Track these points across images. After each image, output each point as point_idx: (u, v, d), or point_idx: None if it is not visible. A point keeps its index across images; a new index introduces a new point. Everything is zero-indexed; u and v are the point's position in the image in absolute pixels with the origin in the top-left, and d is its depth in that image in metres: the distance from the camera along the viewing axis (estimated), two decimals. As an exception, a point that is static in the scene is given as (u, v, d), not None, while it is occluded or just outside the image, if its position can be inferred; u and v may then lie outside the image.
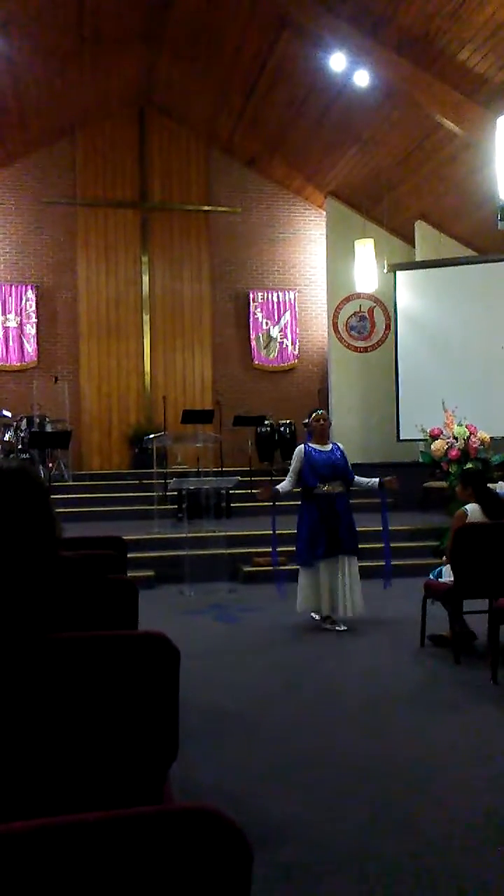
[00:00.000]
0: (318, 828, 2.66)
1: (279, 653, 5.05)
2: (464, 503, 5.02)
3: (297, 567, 5.64)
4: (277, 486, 5.65)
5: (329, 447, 5.70)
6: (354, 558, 5.55)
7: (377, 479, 5.75)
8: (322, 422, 5.77)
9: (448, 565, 4.89)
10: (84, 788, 1.80)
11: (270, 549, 6.00)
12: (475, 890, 2.28)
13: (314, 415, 5.84)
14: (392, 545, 8.04)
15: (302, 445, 5.74)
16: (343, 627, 5.48)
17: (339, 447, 5.74)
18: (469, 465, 7.81)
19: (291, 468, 5.68)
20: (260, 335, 12.70)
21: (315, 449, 5.65)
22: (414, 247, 11.63)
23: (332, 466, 5.57)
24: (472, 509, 4.88)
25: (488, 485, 5.12)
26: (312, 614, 5.63)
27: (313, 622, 5.67)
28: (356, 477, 5.72)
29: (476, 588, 4.69)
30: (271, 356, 12.77)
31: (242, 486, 8.83)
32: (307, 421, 5.88)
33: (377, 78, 8.86)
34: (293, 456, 5.73)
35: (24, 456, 9.95)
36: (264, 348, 12.74)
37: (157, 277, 12.45)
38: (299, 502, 5.71)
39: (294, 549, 5.67)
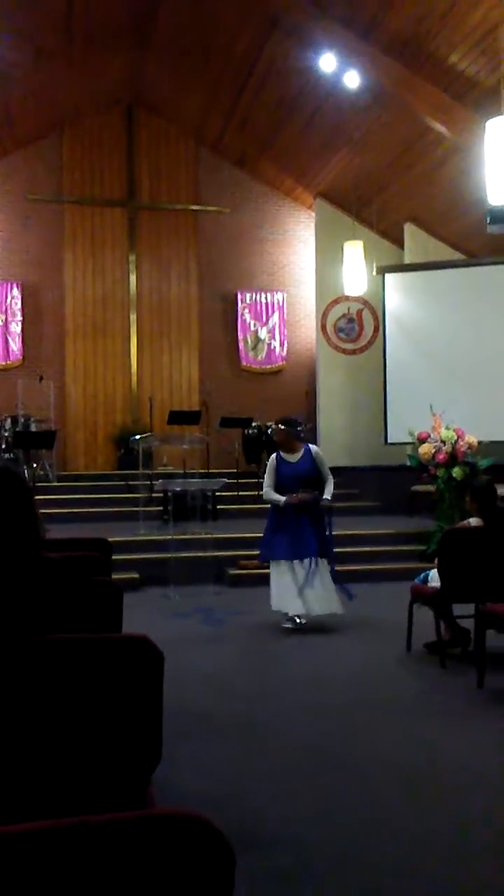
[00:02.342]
0: (305, 832, 2.63)
1: (265, 656, 5.01)
2: (468, 514, 5.00)
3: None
4: (276, 497, 5.66)
5: (297, 456, 5.68)
6: (322, 560, 5.58)
7: (325, 497, 5.65)
8: (279, 436, 5.79)
9: (435, 569, 4.87)
10: (66, 793, 1.78)
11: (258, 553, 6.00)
12: (468, 892, 2.25)
13: (273, 429, 5.93)
14: (378, 549, 8.12)
15: (274, 455, 5.81)
16: (303, 621, 5.56)
17: (310, 451, 5.71)
18: (456, 469, 7.81)
19: (267, 476, 5.71)
20: (248, 336, 12.68)
21: (283, 460, 5.70)
22: (403, 249, 11.66)
23: (295, 478, 5.60)
24: (474, 523, 4.86)
25: (500, 503, 4.98)
26: (286, 624, 5.62)
27: (299, 626, 5.63)
28: (328, 484, 5.67)
29: (463, 592, 4.67)
30: (259, 357, 12.74)
31: (229, 489, 8.77)
32: (270, 433, 5.93)
33: (367, 80, 8.86)
34: (268, 464, 5.80)
35: (7, 456, 9.85)
36: (252, 349, 12.71)
37: (145, 277, 12.39)
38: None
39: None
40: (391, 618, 5.44)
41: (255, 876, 2.32)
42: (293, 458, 5.68)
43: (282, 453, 5.73)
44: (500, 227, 7.09)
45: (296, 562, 5.53)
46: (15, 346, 11.80)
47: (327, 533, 5.71)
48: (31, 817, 0.96)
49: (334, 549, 5.77)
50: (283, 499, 5.55)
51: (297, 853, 2.50)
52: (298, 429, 5.83)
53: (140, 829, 0.96)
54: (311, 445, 5.82)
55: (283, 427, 5.79)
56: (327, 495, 5.66)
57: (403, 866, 2.41)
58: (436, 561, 4.86)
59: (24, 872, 0.91)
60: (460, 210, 10.47)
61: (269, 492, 5.67)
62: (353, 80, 8.88)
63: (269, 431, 11.55)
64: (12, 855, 0.91)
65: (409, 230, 11.49)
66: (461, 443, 7.93)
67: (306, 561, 5.52)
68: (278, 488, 5.62)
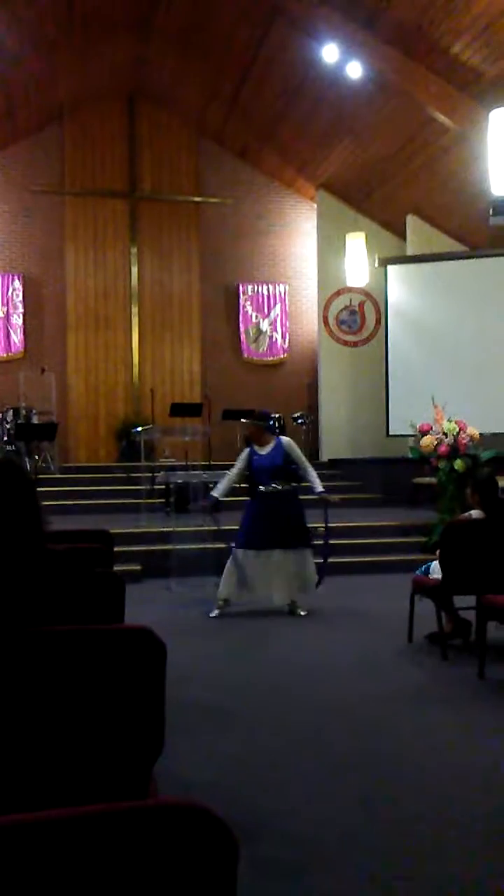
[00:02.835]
0: (305, 823, 2.64)
1: (266, 647, 5.02)
2: (470, 506, 4.99)
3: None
4: (214, 493, 5.98)
5: (269, 448, 5.86)
6: (291, 552, 5.70)
7: (320, 490, 5.90)
8: (248, 430, 6.04)
9: (436, 561, 4.87)
10: (69, 783, 1.78)
11: None
12: (464, 885, 2.26)
13: (243, 423, 6.17)
14: (380, 541, 8.13)
15: (247, 448, 5.99)
16: (304, 612, 5.71)
17: (281, 443, 5.89)
18: (458, 461, 7.80)
19: (235, 468, 5.96)
20: (249, 328, 12.65)
21: (257, 452, 5.88)
22: (405, 241, 11.61)
23: (269, 470, 5.79)
24: (476, 515, 4.86)
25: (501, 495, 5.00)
26: (215, 611, 5.75)
27: (300, 617, 5.65)
28: (307, 471, 5.88)
29: (464, 584, 4.68)
30: (261, 349, 12.72)
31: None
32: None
33: (370, 70, 8.81)
34: (239, 458, 6.02)
35: (9, 448, 9.85)
36: (254, 341, 12.69)
37: (146, 269, 12.36)
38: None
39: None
40: (393, 609, 5.44)
41: (256, 867, 2.33)
42: (265, 450, 5.85)
43: (255, 446, 5.91)
44: (503, 219, 7.06)
45: (262, 552, 5.68)
46: (17, 338, 11.79)
47: (324, 526, 5.96)
48: (35, 808, 0.96)
49: (331, 541, 5.95)
50: (214, 495, 5.94)
51: (298, 845, 2.51)
52: (270, 422, 6.07)
53: (144, 820, 0.96)
54: (282, 437, 5.98)
55: (251, 421, 6.03)
56: (320, 487, 5.86)
57: (403, 858, 2.42)
58: (437, 553, 4.87)
59: (28, 862, 0.91)
60: (463, 201, 10.43)
61: (218, 485, 5.98)
62: (355, 70, 8.83)
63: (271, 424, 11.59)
64: (15, 845, 0.91)
65: (412, 222, 11.44)
66: (463, 435, 7.92)
67: (280, 553, 5.66)
68: (252, 480, 5.84)
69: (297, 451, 5.91)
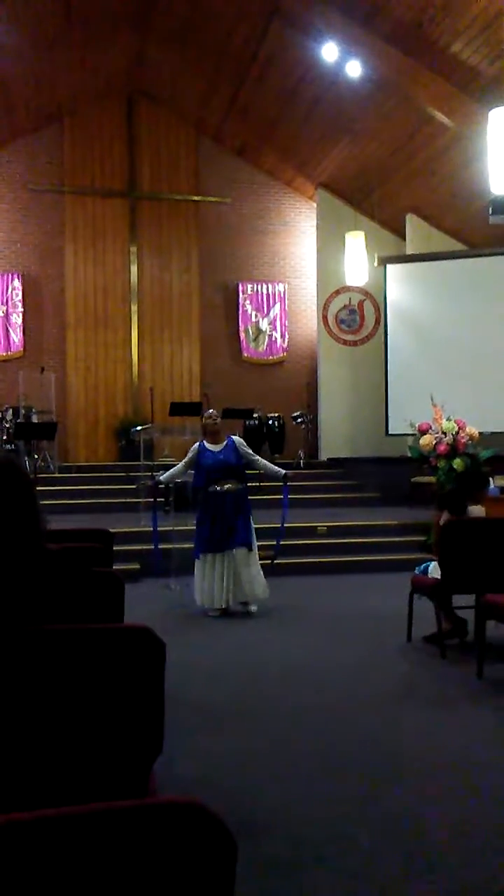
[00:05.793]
0: (302, 821, 2.65)
1: (265, 646, 5.03)
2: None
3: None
4: (160, 476, 6.08)
5: (221, 446, 5.82)
6: (245, 549, 5.70)
7: (283, 472, 6.01)
8: (214, 420, 5.94)
9: (435, 561, 4.88)
10: (68, 782, 1.78)
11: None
12: (464, 884, 2.26)
13: (206, 414, 6.08)
14: (379, 540, 8.14)
15: (198, 443, 5.90)
16: (254, 608, 5.76)
17: (233, 442, 5.86)
18: (457, 460, 7.80)
19: (186, 459, 5.92)
20: (249, 327, 12.65)
21: (208, 449, 5.80)
22: (404, 240, 11.61)
23: (222, 469, 5.74)
24: (476, 513, 4.89)
25: (468, 506, 5.02)
26: (210, 613, 5.76)
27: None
28: (264, 462, 5.99)
29: (463, 583, 4.69)
30: (260, 349, 12.72)
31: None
32: (202, 419, 6.07)
33: (369, 69, 8.81)
34: (190, 450, 5.95)
35: (8, 447, 9.85)
36: (253, 341, 12.69)
37: (146, 268, 12.36)
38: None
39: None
40: (392, 608, 5.45)
41: (254, 865, 2.33)
42: (217, 447, 5.81)
43: (206, 442, 5.84)
44: (502, 218, 7.06)
45: (219, 554, 5.67)
46: (16, 337, 11.78)
47: (282, 505, 6.09)
48: (34, 806, 0.96)
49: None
50: (160, 477, 5.97)
51: (296, 843, 2.51)
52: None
53: (143, 818, 0.96)
54: (233, 437, 5.97)
55: (218, 415, 6.02)
56: (281, 470, 5.96)
57: (401, 858, 2.43)
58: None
59: (27, 861, 0.91)
60: (462, 200, 10.43)
61: (166, 474, 6.00)
62: (354, 69, 8.83)
63: (270, 423, 11.59)
64: (14, 843, 0.91)
65: (411, 221, 11.44)
66: (462, 434, 7.92)
67: (234, 553, 5.65)
68: (201, 476, 5.77)
69: (248, 450, 5.95)
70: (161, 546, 7.32)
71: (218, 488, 5.71)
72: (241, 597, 5.74)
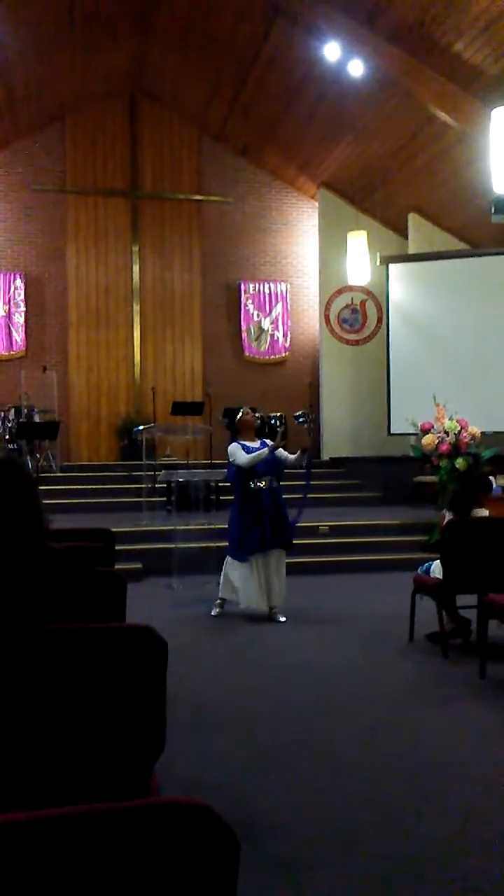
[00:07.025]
0: (304, 821, 2.65)
1: (266, 646, 5.02)
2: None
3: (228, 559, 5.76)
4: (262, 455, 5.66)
5: (258, 443, 5.75)
6: (283, 552, 5.66)
7: (300, 450, 5.79)
8: (252, 416, 5.89)
9: (437, 560, 4.88)
10: (70, 782, 1.78)
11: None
12: (464, 884, 2.26)
13: (244, 409, 5.98)
14: (382, 539, 8.14)
15: (235, 443, 5.72)
16: (283, 618, 5.61)
17: (265, 443, 5.78)
18: (460, 460, 7.80)
19: (239, 456, 5.60)
20: (251, 327, 12.65)
21: (247, 446, 5.68)
22: (407, 239, 11.60)
23: (266, 462, 5.62)
24: (481, 514, 4.89)
25: (473, 509, 5.03)
26: (216, 610, 5.74)
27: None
28: (285, 455, 5.76)
29: (466, 583, 4.68)
30: (262, 348, 12.72)
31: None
32: (239, 416, 5.90)
33: (371, 68, 8.80)
34: (230, 451, 5.69)
35: (11, 447, 9.86)
36: (255, 340, 12.68)
37: (148, 267, 12.36)
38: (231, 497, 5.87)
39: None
40: (394, 608, 5.45)
41: (256, 865, 2.33)
42: (255, 445, 5.71)
43: (242, 440, 5.73)
44: (505, 217, 7.05)
45: (261, 555, 5.58)
46: (18, 336, 11.79)
47: (304, 483, 6.01)
48: (36, 806, 0.96)
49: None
50: (265, 450, 5.56)
51: (298, 843, 2.51)
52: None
53: (145, 818, 0.96)
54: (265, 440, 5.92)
55: (253, 414, 5.96)
56: (290, 455, 5.75)
57: (402, 858, 2.43)
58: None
59: (29, 860, 0.91)
60: (464, 200, 10.42)
61: (246, 458, 5.56)
62: (356, 68, 8.82)
63: (271, 422, 11.57)
64: (17, 843, 0.91)
65: (413, 220, 11.43)
66: (464, 433, 7.92)
67: (272, 554, 5.59)
68: (249, 475, 5.61)
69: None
70: (163, 546, 7.32)
71: (262, 485, 5.61)
72: (273, 600, 5.62)
